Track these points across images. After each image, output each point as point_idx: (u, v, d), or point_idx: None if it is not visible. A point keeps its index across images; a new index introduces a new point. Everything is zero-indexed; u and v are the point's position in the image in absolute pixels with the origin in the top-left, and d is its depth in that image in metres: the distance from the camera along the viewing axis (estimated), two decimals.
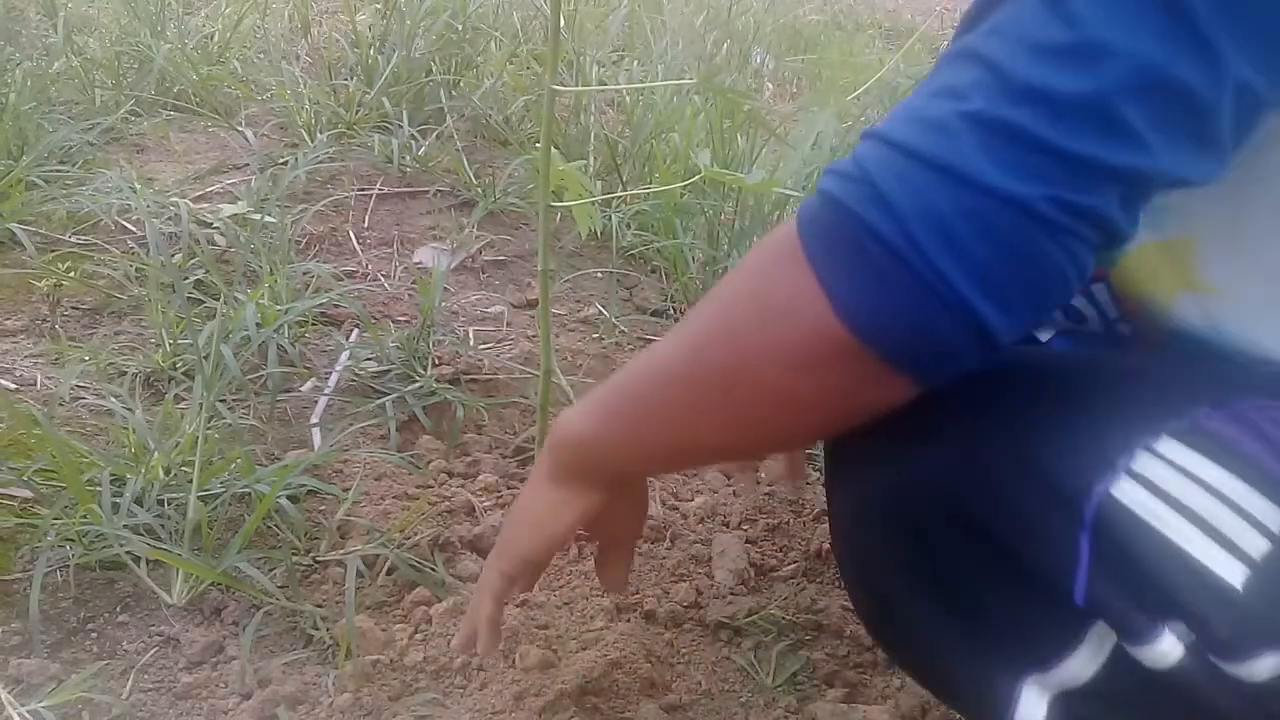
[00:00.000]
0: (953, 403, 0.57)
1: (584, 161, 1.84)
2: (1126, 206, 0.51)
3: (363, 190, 1.74)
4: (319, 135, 1.86)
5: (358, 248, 1.60)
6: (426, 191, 1.78)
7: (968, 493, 0.56)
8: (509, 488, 1.16)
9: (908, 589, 0.61)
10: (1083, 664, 0.54)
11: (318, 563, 1.01)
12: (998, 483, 0.55)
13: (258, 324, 1.26)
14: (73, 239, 1.47)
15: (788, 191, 1.50)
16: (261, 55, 2.23)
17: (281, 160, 1.76)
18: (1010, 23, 0.50)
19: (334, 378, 1.28)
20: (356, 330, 1.40)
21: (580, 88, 2.00)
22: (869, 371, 0.54)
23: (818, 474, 1.26)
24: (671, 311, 1.59)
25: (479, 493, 1.14)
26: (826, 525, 1.14)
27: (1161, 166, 0.49)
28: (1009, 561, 0.55)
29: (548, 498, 0.72)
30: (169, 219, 1.50)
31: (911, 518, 0.59)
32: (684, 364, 0.61)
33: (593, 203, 1.04)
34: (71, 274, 1.37)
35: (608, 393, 0.68)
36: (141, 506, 0.98)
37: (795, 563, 1.11)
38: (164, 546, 0.95)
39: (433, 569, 1.01)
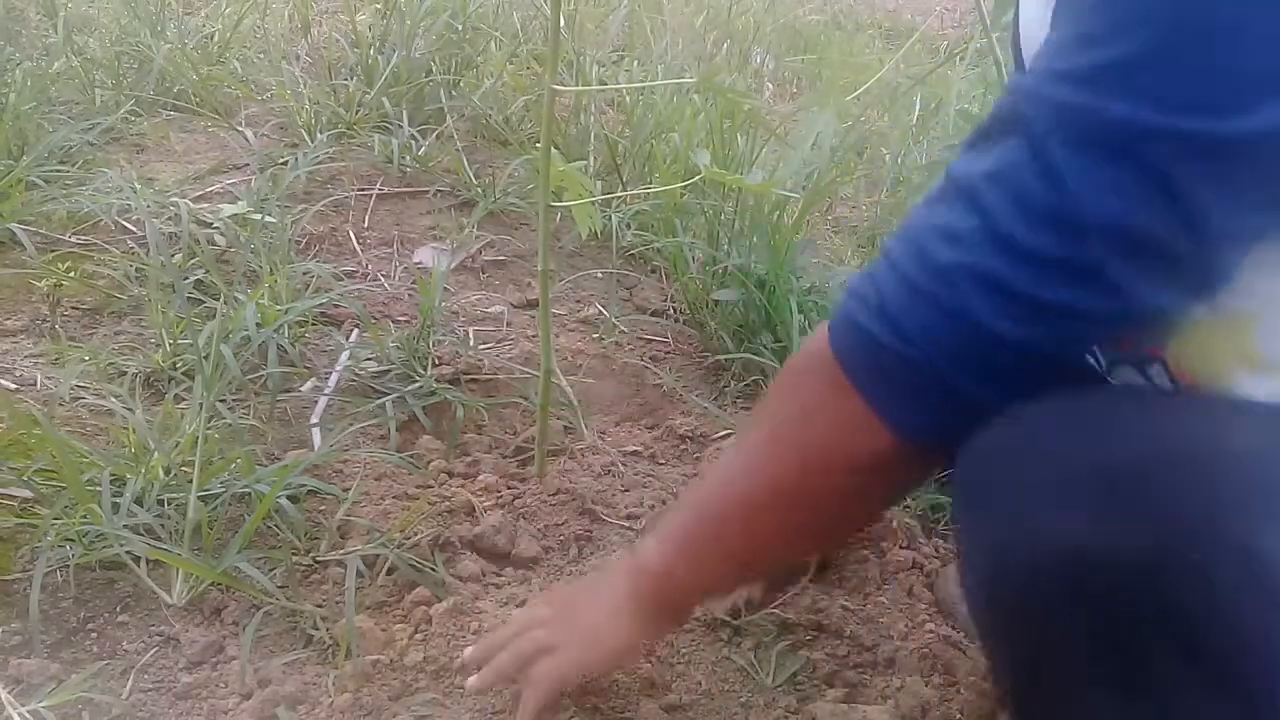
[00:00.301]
0: (1153, 466, 0.51)
1: (584, 161, 1.84)
2: (1118, 335, 0.58)
3: (363, 190, 1.74)
4: (319, 135, 1.86)
5: (358, 248, 1.60)
6: (426, 191, 1.78)
7: (1173, 587, 0.49)
8: (509, 488, 1.16)
9: (1081, 675, 0.53)
10: None
11: (318, 563, 1.01)
12: (1214, 585, 0.48)
13: (258, 324, 1.26)
14: (73, 239, 1.47)
15: (787, 193, 1.50)
16: (261, 55, 2.23)
17: (281, 160, 1.76)
18: (1005, 169, 0.55)
19: (334, 378, 1.28)
20: (356, 330, 1.40)
21: (580, 88, 2.00)
22: (911, 459, 0.64)
23: None
24: (671, 311, 1.59)
25: (479, 493, 1.14)
26: None
27: (1148, 308, 0.55)
28: (1222, 677, 0.49)
29: (624, 626, 0.78)
30: (169, 219, 1.50)
31: (1099, 597, 0.51)
32: (761, 492, 0.69)
33: (593, 203, 1.04)
34: (71, 274, 1.37)
35: (684, 526, 0.75)
36: (141, 506, 0.98)
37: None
38: (164, 546, 0.95)
39: (433, 569, 1.01)
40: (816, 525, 0.72)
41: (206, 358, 1.15)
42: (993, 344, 0.57)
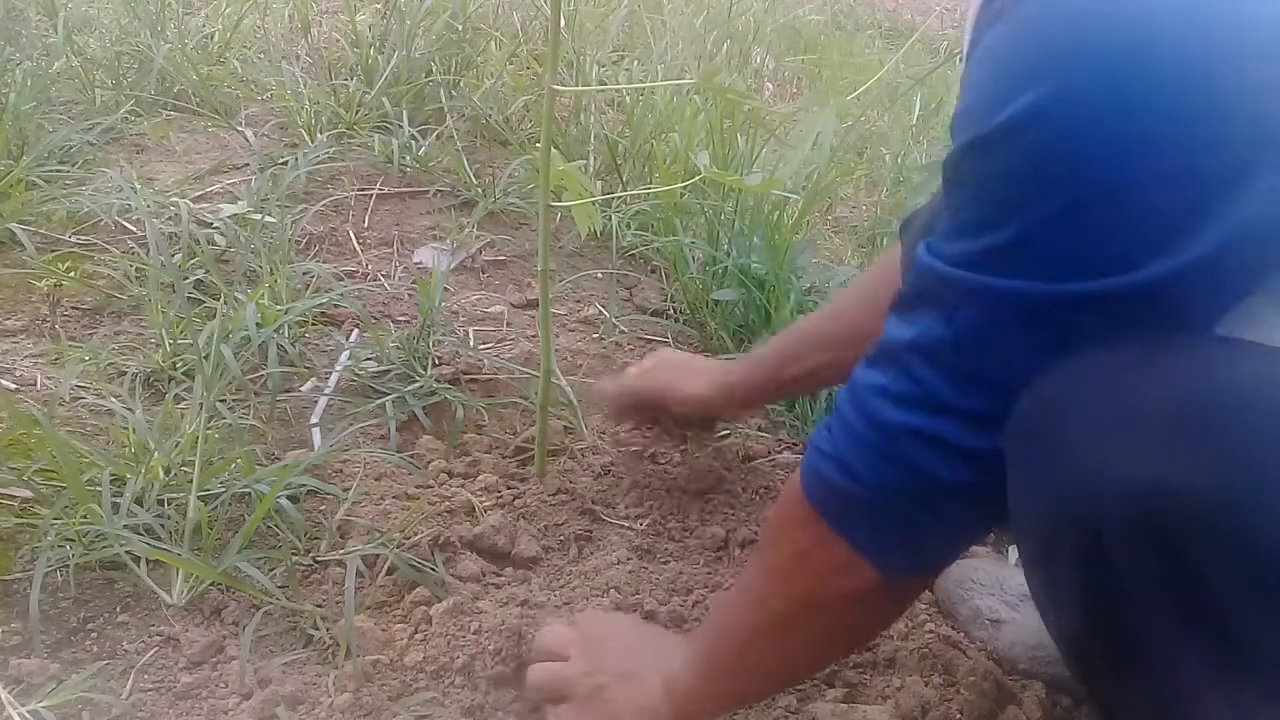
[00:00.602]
0: (1218, 403, 0.52)
1: (584, 161, 1.84)
2: None
3: (363, 190, 1.74)
4: (319, 135, 1.86)
5: (358, 248, 1.60)
6: (426, 191, 1.78)
7: (1245, 522, 0.49)
8: (509, 487, 1.16)
9: (1149, 617, 0.53)
10: None
11: (318, 563, 1.01)
12: None
13: (258, 324, 1.26)
14: (73, 239, 1.47)
15: (787, 193, 1.50)
16: (261, 55, 2.23)
17: (281, 160, 1.76)
18: (924, 340, 0.63)
19: (334, 378, 1.28)
20: (356, 330, 1.40)
21: (580, 88, 2.00)
22: (898, 587, 0.73)
23: None
24: (671, 311, 1.59)
25: (479, 493, 1.14)
26: None
27: None
28: None
29: None
30: (169, 219, 1.50)
31: (1167, 536, 0.51)
32: (766, 625, 0.77)
33: (593, 203, 1.04)
34: (71, 274, 1.37)
35: (711, 649, 0.82)
36: (141, 506, 0.98)
37: None
38: (164, 546, 0.95)
39: (433, 569, 1.01)
40: (822, 649, 0.81)
41: (206, 358, 1.15)
42: (941, 489, 0.65)
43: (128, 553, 0.94)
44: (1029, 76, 0.54)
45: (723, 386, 1.15)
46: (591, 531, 1.13)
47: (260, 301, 1.30)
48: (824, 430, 0.71)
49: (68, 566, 0.93)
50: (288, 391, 1.25)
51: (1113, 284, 0.55)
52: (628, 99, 2.04)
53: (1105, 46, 0.52)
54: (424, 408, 1.25)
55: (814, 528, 0.71)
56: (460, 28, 2.16)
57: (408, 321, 1.43)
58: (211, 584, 0.95)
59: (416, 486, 1.14)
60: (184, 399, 1.16)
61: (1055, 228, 0.55)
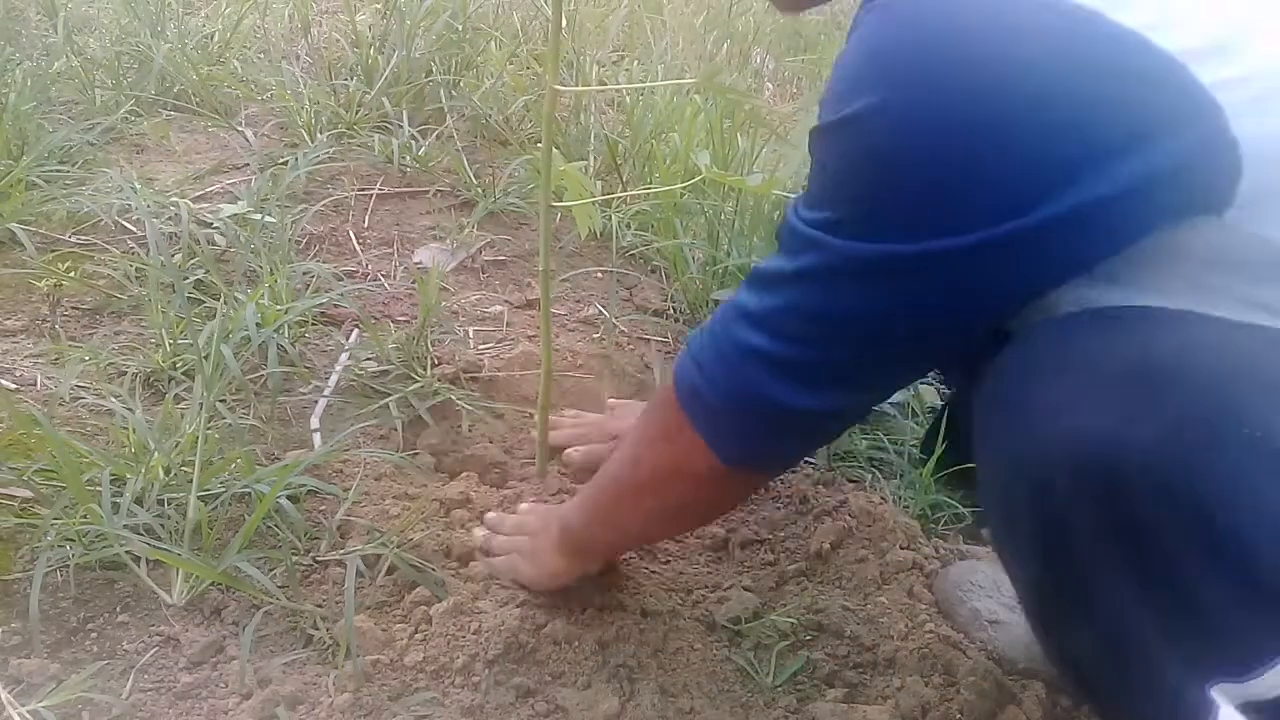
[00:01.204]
0: (1160, 362, 0.55)
1: (584, 161, 1.84)
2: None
3: (363, 190, 1.74)
4: (319, 135, 1.86)
5: (358, 248, 1.60)
6: (426, 191, 1.78)
7: (1195, 467, 0.52)
8: (509, 487, 1.16)
9: (1098, 571, 0.56)
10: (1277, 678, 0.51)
11: (318, 563, 1.01)
12: (1231, 470, 0.51)
13: (258, 324, 1.26)
14: (73, 239, 1.47)
15: (787, 193, 1.50)
16: (261, 55, 2.23)
17: (281, 160, 1.76)
18: (795, 271, 0.70)
19: (334, 378, 1.28)
20: (356, 330, 1.40)
21: (580, 88, 2.00)
22: (738, 477, 0.83)
23: (813, 468, 1.26)
24: (671, 311, 1.59)
25: (479, 492, 1.13)
26: (827, 525, 1.14)
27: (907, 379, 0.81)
28: (1240, 561, 0.51)
29: (554, 562, 0.99)
30: (169, 219, 1.50)
31: (1112, 491, 0.54)
32: (630, 484, 0.90)
33: (593, 203, 1.04)
34: (71, 274, 1.37)
35: (590, 497, 0.95)
36: (141, 506, 0.98)
37: (796, 563, 1.11)
38: (164, 546, 0.95)
39: (433, 569, 1.01)
40: (673, 517, 0.93)
41: (206, 358, 1.15)
42: (786, 411, 0.73)
43: (128, 553, 0.94)
44: (864, 83, 0.63)
45: None
46: None
47: (260, 301, 1.30)
48: (697, 335, 0.80)
49: (68, 566, 0.93)
50: (288, 391, 1.25)
51: (925, 246, 0.64)
52: (628, 99, 2.04)
53: (924, 60, 0.62)
54: (425, 408, 1.25)
55: (678, 414, 0.81)
56: (460, 28, 2.16)
57: (408, 321, 1.43)
58: (211, 584, 0.95)
59: (417, 486, 1.13)
60: (184, 399, 1.16)
61: (875, 205, 0.65)
